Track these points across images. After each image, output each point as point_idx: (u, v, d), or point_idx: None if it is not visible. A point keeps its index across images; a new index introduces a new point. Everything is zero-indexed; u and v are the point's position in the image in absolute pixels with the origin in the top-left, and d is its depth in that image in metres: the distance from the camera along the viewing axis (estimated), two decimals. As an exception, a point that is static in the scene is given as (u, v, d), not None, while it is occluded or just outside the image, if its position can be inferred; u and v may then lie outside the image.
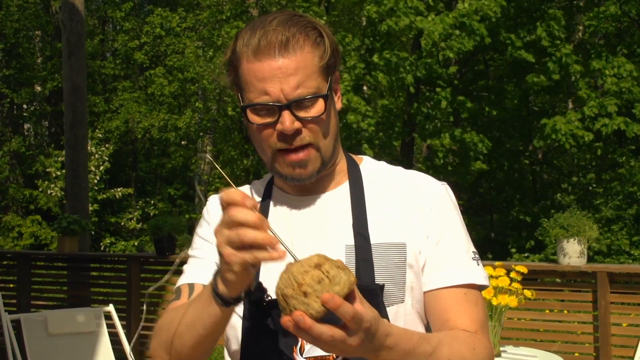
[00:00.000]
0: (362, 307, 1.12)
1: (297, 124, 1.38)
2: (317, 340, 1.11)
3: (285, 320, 1.10)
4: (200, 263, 1.51)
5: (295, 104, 1.37)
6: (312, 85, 1.38)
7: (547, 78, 11.10)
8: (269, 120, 1.39)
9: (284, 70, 1.36)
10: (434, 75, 11.49)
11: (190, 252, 1.56)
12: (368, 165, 1.55)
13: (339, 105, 1.49)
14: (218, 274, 1.25)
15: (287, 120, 1.36)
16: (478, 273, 1.45)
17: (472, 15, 10.38)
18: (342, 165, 1.52)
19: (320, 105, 1.39)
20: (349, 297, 1.11)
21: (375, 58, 11.18)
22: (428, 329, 1.48)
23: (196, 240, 1.56)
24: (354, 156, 1.56)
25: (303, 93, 1.37)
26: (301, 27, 1.39)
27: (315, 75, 1.39)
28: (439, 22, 10.47)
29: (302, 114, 1.38)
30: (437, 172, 12.05)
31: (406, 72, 10.96)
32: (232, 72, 1.44)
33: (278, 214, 1.50)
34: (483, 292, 1.53)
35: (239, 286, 1.23)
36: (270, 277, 1.28)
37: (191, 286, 1.49)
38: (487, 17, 10.58)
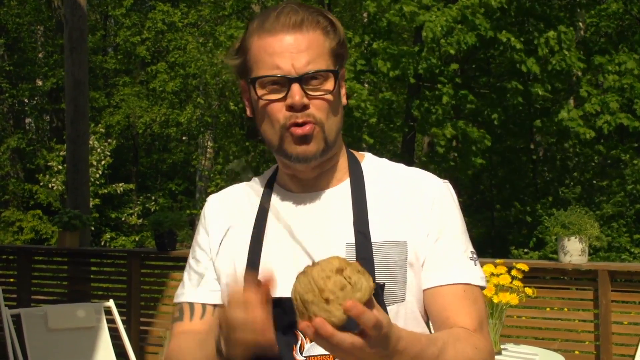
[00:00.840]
0: (379, 313, 1.11)
1: (306, 100, 1.38)
2: (335, 348, 1.09)
3: (304, 325, 1.08)
4: (199, 280, 1.52)
5: (305, 80, 1.37)
6: (322, 64, 1.39)
7: (551, 85, 11.05)
8: (278, 95, 1.39)
9: (295, 46, 1.38)
10: (435, 71, 11.45)
11: (190, 260, 1.57)
12: (370, 162, 1.55)
13: (344, 100, 1.49)
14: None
15: (297, 94, 1.36)
16: (475, 274, 1.45)
17: (477, 8, 10.30)
18: (343, 161, 1.52)
19: (329, 83, 1.40)
20: (368, 304, 1.10)
21: (375, 45, 11.16)
22: (428, 326, 1.47)
23: (195, 249, 1.56)
24: (355, 153, 1.56)
25: (314, 69, 1.38)
26: (313, 12, 1.42)
27: (326, 57, 1.41)
28: (441, 15, 10.41)
29: (311, 90, 1.38)
30: (438, 165, 12.05)
31: (407, 64, 10.93)
32: (240, 55, 1.44)
33: (278, 211, 1.50)
34: (484, 290, 1.53)
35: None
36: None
37: (191, 305, 1.51)
38: (491, 10, 10.50)
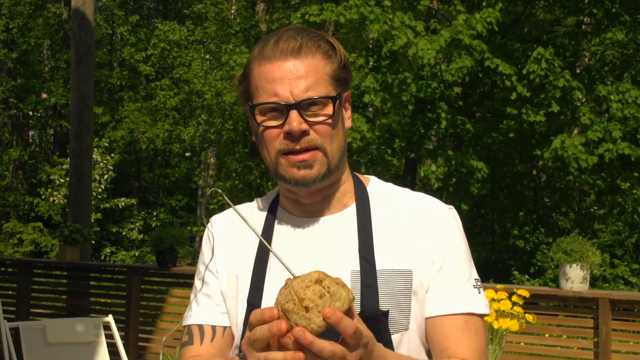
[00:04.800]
0: (360, 324, 1.13)
1: (305, 126, 1.38)
2: (317, 357, 1.10)
3: (286, 337, 1.10)
4: (208, 301, 1.52)
5: (303, 106, 1.38)
6: (321, 90, 1.39)
7: (546, 110, 10.98)
8: (276, 122, 1.39)
9: (294, 72, 1.38)
10: (435, 96, 11.47)
11: (196, 281, 1.56)
12: (375, 186, 1.54)
13: (348, 124, 1.49)
14: None
15: (295, 121, 1.37)
16: (478, 302, 1.45)
17: (465, 31, 10.32)
18: (348, 186, 1.51)
19: (329, 109, 1.40)
20: (348, 315, 1.12)
21: (368, 82, 11.09)
22: (429, 356, 1.47)
23: (202, 271, 1.56)
24: (360, 176, 1.55)
25: (312, 96, 1.38)
26: (313, 37, 1.42)
27: (326, 83, 1.40)
28: (435, 40, 10.45)
29: (310, 116, 1.38)
30: (438, 190, 12.03)
31: (405, 91, 10.94)
32: (243, 81, 1.45)
33: (283, 235, 1.49)
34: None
35: None
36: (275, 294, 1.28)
37: (201, 328, 1.50)
38: (480, 33, 10.52)
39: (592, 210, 13.74)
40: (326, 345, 1.09)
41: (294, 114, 1.37)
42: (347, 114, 1.49)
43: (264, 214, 1.54)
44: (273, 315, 1.12)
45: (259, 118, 1.41)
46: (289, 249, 1.45)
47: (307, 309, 1.09)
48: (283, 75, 1.38)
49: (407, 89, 10.93)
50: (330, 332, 1.10)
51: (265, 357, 1.13)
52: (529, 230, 12.98)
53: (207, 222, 1.64)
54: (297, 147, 1.38)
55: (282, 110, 1.38)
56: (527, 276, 11.82)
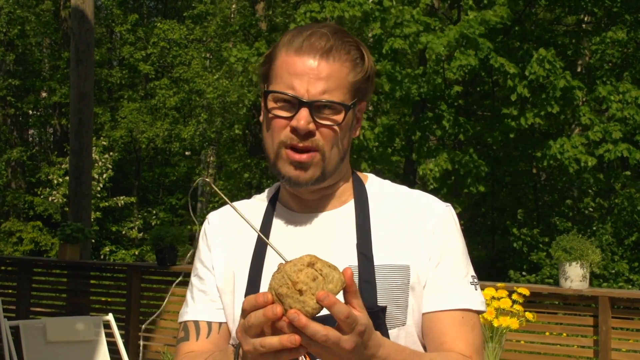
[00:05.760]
0: (359, 312, 1.13)
1: (312, 126, 1.38)
2: (311, 341, 1.11)
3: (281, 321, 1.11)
4: (204, 297, 1.53)
5: (315, 107, 1.38)
6: (337, 96, 1.40)
7: (546, 110, 10.90)
8: (286, 114, 1.40)
9: (316, 72, 1.38)
10: (437, 94, 11.44)
11: (192, 277, 1.57)
12: (373, 184, 1.56)
13: (356, 133, 1.50)
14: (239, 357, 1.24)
15: (303, 119, 1.37)
16: (475, 298, 1.46)
17: (477, 27, 10.29)
18: (347, 184, 1.52)
19: (339, 116, 1.40)
20: (352, 300, 1.14)
21: (378, 66, 11.09)
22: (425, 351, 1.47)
23: (198, 267, 1.56)
24: (359, 174, 1.56)
25: (327, 99, 1.39)
26: (346, 42, 1.42)
27: (344, 90, 1.41)
28: (443, 35, 10.43)
29: (320, 118, 1.39)
30: (436, 190, 12.01)
31: (410, 85, 10.93)
32: (267, 63, 1.46)
33: (281, 231, 1.50)
34: (485, 314, 1.53)
35: None
36: None
37: (197, 324, 1.51)
38: (492, 26, 10.48)
39: (586, 212, 13.74)
40: (320, 329, 1.09)
41: (304, 111, 1.38)
42: (358, 124, 1.50)
43: (263, 209, 1.55)
44: (267, 300, 1.12)
45: (270, 104, 1.42)
46: (287, 244, 1.45)
47: (300, 292, 1.10)
48: (304, 72, 1.38)
49: (419, 87, 10.93)
50: (327, 320, 1.11)
51: (260, 343, 1.12)
52: (526, 231, 12.96)
53: (198, 218, 1.65)
54: (300, 144, 1.39)
55: (294, 104, 1.39)
56: (523, 272, 11.82)
